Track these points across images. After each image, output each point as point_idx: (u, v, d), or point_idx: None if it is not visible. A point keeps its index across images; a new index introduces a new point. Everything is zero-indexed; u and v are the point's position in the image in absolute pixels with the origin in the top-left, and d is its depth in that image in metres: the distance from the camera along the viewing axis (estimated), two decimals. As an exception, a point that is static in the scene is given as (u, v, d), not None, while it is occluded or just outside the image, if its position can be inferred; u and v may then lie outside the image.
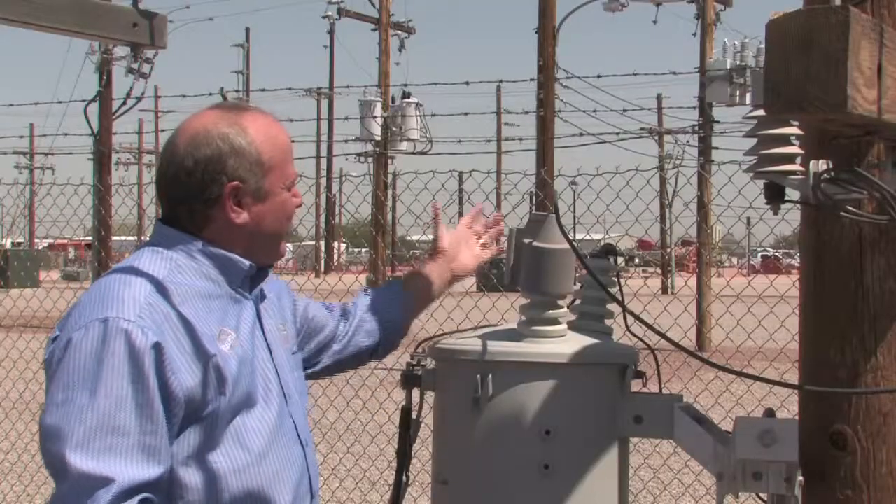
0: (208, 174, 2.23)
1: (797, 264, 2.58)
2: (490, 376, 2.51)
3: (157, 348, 2.08)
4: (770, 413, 2.26)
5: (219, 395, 2.14)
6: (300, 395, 2.39)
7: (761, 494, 2.27)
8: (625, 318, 2.57)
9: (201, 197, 2.24)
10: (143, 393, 2.06)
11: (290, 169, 2.33)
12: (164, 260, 2.22)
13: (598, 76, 28.53)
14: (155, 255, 2.23)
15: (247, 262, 2.27)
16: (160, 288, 2.15)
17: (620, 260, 2.75)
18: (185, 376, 2.10)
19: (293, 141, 2.45)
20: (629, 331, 2.58)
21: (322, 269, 38.53)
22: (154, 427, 2.07)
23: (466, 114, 30.75)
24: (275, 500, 2.21)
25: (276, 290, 2.50)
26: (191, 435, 2.14)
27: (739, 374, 2.31)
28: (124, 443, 2.04)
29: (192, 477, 2.13)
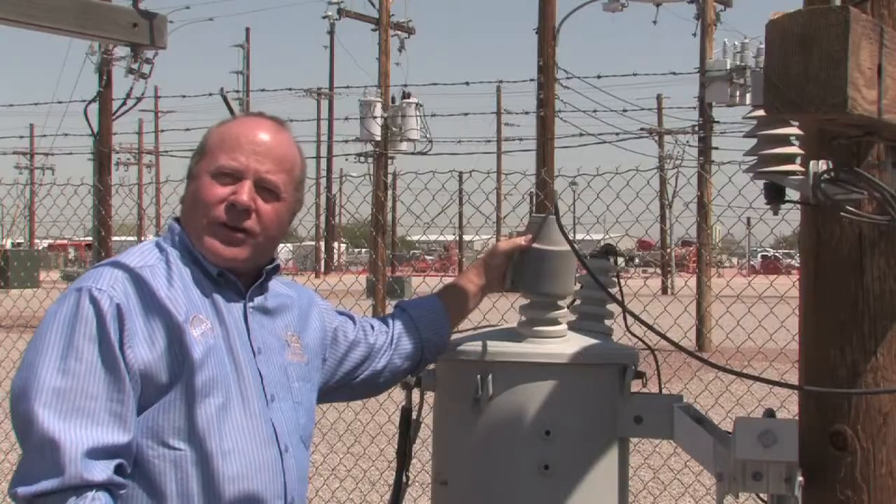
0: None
1: (797, 264, 2.58)
2: (490, 376, 2.52)
3: (119, 311, 2.13)
4: (770, 413, 2.26)
5: (179, 377, 2.16)
6: (297, 404, 2.37)
7: (761, 495, 2.27)
8: (625, 318, 2.57)
9: None
10: (111, 360, 2.11)
11: (219, 155, 2.29)
12: (158, 250, 2.30)
13: (598, 76, 28.44)
14: (153, 245, 2.32)
15: (214, 270, 2.29)
16: (143, 269, 2.23)
17: (620, 260, 2.75)
18: (143, 350, 2.14)
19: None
20: (629, 331, 2.58)
21: (322, 269, 38.54)
22: (121, 395, 2.11)
23: (466, 114, 30.81)
24: (231, 497, 2.20)
25: (299, 301, 2.50)
26: (153, 416, 2.16)
27: (739, 374, 2.31)
28: (93, 406, 2.09)
29: (153, 459, 2.15)
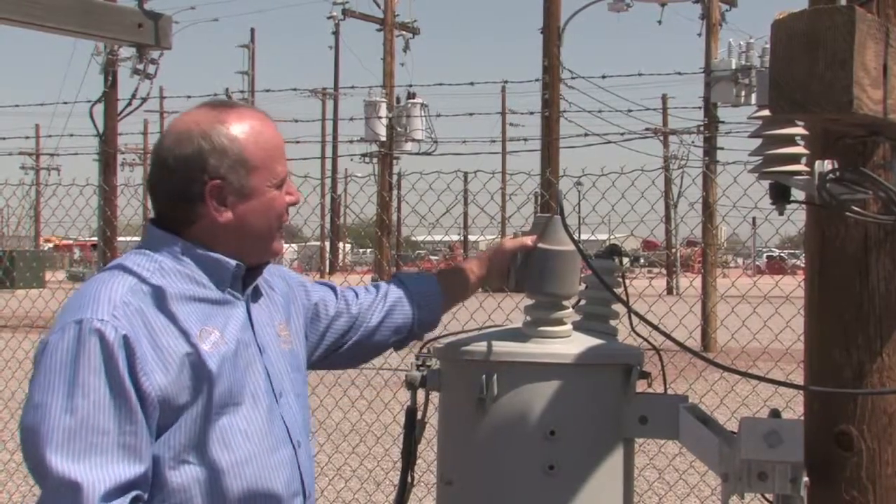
0: (189, 173, 2.22)
1: (802, 265, 2.57)
2: (495, 377, 2.52)
3: (127, 342, 2.07)
4: (775, 413, 2.25)
5: (198, 393, 2.13)
6: (297, 396, 2.36)
7: (766, 495, 2.27)
8: (630, 318, 2.57)
9: (184, 196, 2.23)
10: (119, 392, 2.06)
11: (278, 167, 2.29)
12: (147, 262, 2.22)
13: (603, 76, 28.27)
14: (140, 258, 2.24)
15: (232, 263, 2.25)
16: (139, 289, 2.16)
17: (625, 260, 2.75)
18: (158, 376, 2.09)
19: (298, 142, 2.48)
20: (634, 331, 2.58)
21: (327, 269, 38.56)
22: (133, 427, 2.06)
23: (471, 114, 30.78)
24: (260, 502, 2.19)
25: (282, 286, 2.49)
26: (173, 435, 2.12)
27: (744, 374, 2.31)
28: (105, 442, 2.04)
29: (177, 478, 2.12)
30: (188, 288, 2.21)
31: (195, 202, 2.24)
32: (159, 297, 2.16)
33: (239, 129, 2.26)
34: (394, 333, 2.66)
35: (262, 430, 2.22)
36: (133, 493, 2.06)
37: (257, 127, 2.29)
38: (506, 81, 39.49)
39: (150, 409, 2.09)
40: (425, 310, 2.68)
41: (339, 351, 2.63)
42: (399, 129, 25.76)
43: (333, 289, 2.64)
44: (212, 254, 2.24)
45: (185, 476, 2.13)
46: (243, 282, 2.30)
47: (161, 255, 2.23)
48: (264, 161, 2.27)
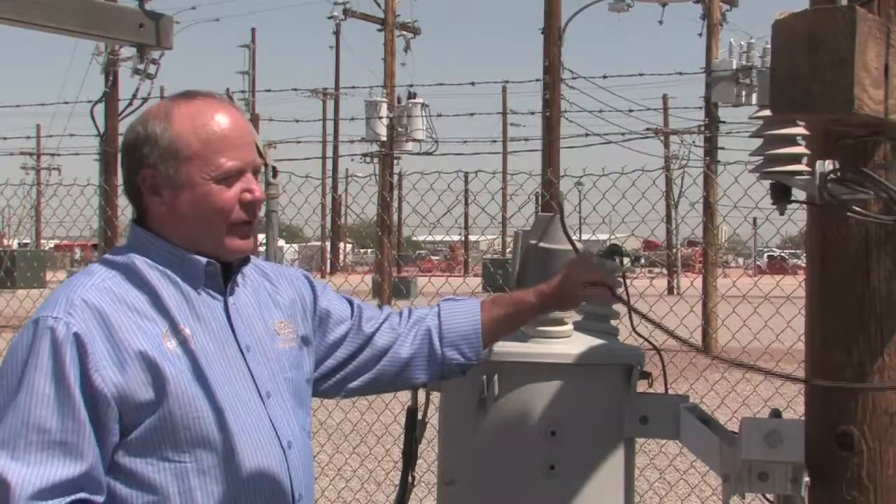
0: (129, 162, 2.22)
1: (803, 264, 2.57)
2: (496, 377, 2.52)
3: (77, 339, 2.04)
4: (776, 414, 2.25)
5: (164, 392, 2.08)
6: (290, 394, 2.30)
7: (767, 495, 2.27)
8: (630, 318, 2.57)
9: (130, 186, 2.23)
10: (63, 390, 2.03)
11: (220, 159, 2.18)
12: (121, 259, 2.20)
13: (604, 77, 28.20)
14: (115, 255, 2.22)
15: (203, 260, 2.20)
16: (104, 286, 2.13)
17: (626, 260, 2.75)
18: (112, 372, 2.05)
19: (299, 142, 2.42)
20: (635, 331, 2.58)
21: (328, 269, 38.54)
22: (76, 425, 2.03)
23: (472, 114, 30.85)
24: (241, 503, 2.15)
25: (287, 287, 2.41)
26: (146, 433, 2.09)
27: (750, 367, 2.31)
28: (43, 441, 2.02)
29: (154, 476, 2.10)
30: (160, 286, 2.17)
31: (137, 192, 2.23)
32: (124, 296, 2.13)
33: (179, 117, 2.19)
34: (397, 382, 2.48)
35: (247, 431, 2.17)
36: (78, 496, 2.02)
37: (203, 116, 2.20)
38: (507, 81, 39.47)
39: (104, 406, 2.05)
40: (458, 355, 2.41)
41: (354, 381, 2.52)
42: (400, 129, 25.76)
43: (352, 305, 2.51)
44: (184, 253, 2.20)
45: (163, 472, 2.10)
46: (225, 278, 2.25)
47: (137, 252, 2.21)
48: (201, 152, 2.18)
